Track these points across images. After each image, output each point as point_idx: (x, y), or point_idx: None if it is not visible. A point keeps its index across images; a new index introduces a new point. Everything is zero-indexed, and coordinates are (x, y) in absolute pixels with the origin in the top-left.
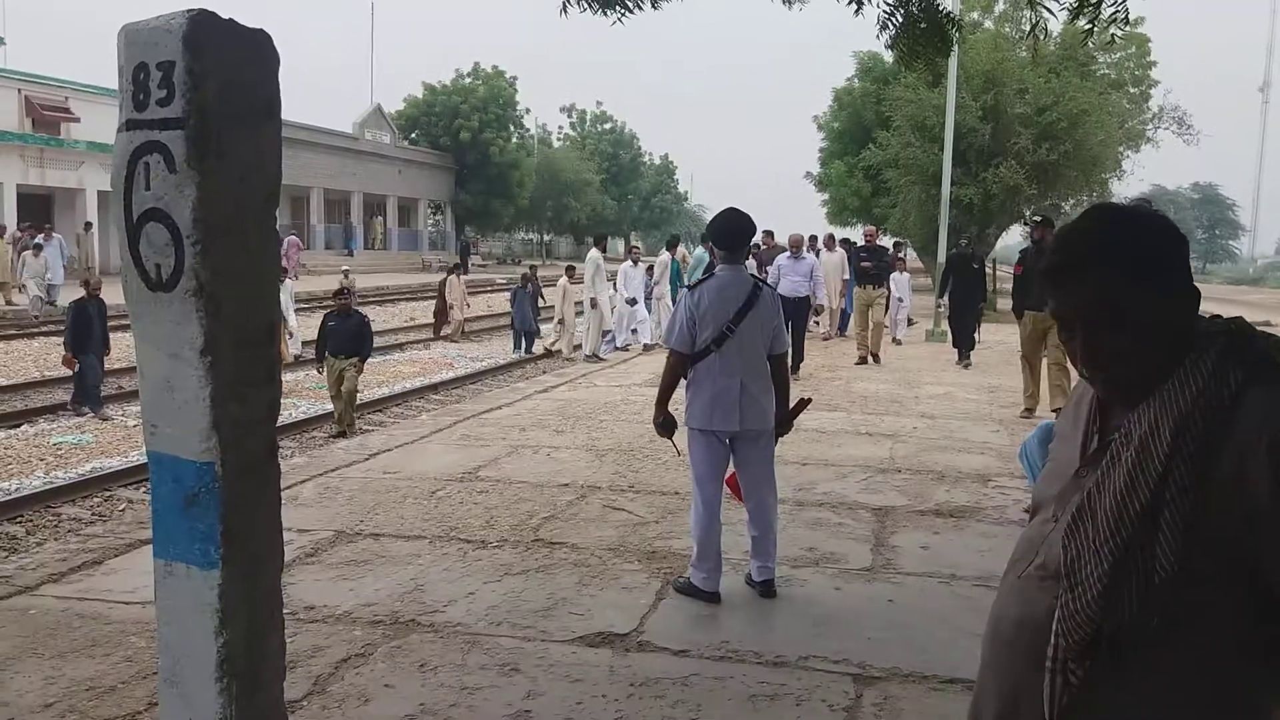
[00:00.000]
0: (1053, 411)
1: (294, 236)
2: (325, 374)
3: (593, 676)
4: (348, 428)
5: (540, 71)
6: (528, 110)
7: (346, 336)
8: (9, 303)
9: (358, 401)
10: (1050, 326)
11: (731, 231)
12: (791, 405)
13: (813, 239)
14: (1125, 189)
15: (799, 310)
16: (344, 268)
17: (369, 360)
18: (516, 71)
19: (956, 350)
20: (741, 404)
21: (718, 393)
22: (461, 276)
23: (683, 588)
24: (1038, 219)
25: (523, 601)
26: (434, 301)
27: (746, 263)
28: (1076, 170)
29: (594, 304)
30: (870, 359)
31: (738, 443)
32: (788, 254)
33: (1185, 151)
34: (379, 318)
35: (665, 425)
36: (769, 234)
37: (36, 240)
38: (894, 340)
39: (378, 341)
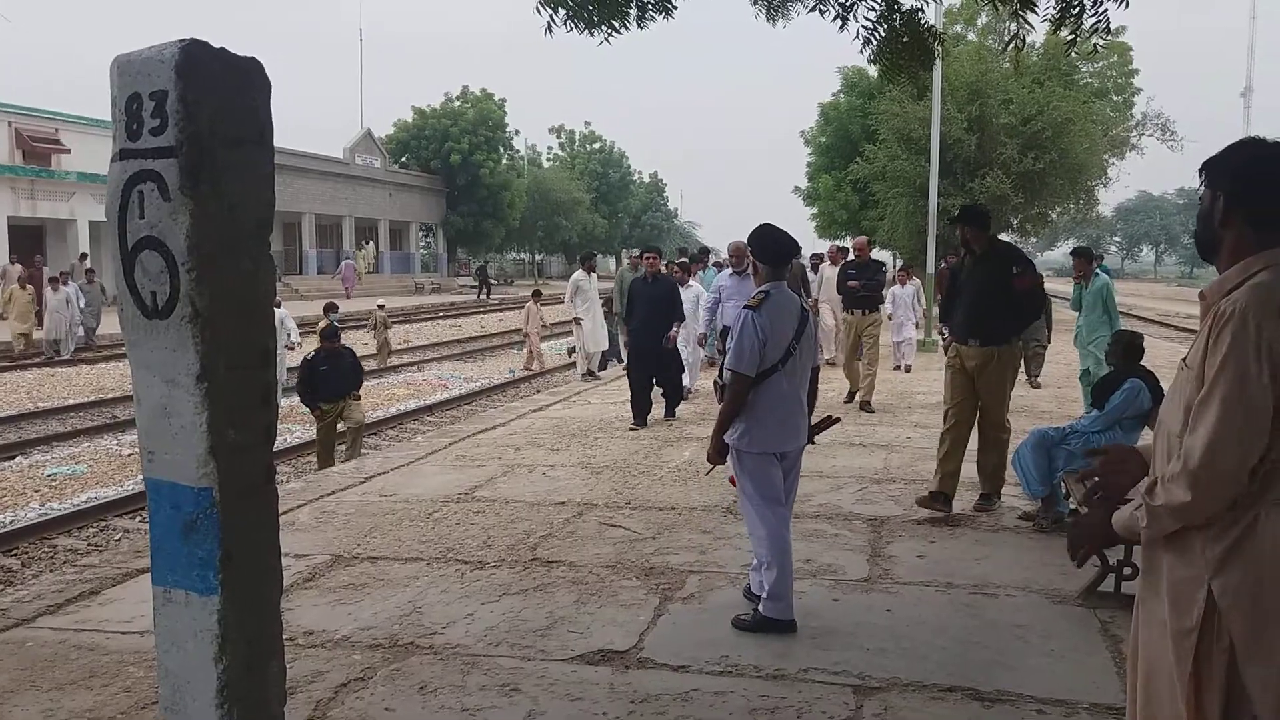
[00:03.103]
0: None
1: (350, 261)
2: (321, 421)
3: (593, 694)
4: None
5: (529, 93)
6: (517, 132)
7: (341, 377)
8: (29, 345)
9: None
10: (991, 367)
11: (777, 248)
12: (817, 420)
13: (817, 257)
14: (1112, 196)
15: None
16: (380, 302)
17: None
18: (505, 94)
19: None
20: (800, 421)
21: (787, 411)
22: (539, 302)
23: (755, 625)
24: (965, 211)
25: (522, 621)
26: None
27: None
28: (1063, 179)
29: (578, 323)
30: (860, 404)
31: (786, 460)
32: (728, 271)
33: (1170, 157)
34: (373, 341)
35: (724, 453)
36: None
37: (54, 275)
38: (904, 369)
39: (373, 365)
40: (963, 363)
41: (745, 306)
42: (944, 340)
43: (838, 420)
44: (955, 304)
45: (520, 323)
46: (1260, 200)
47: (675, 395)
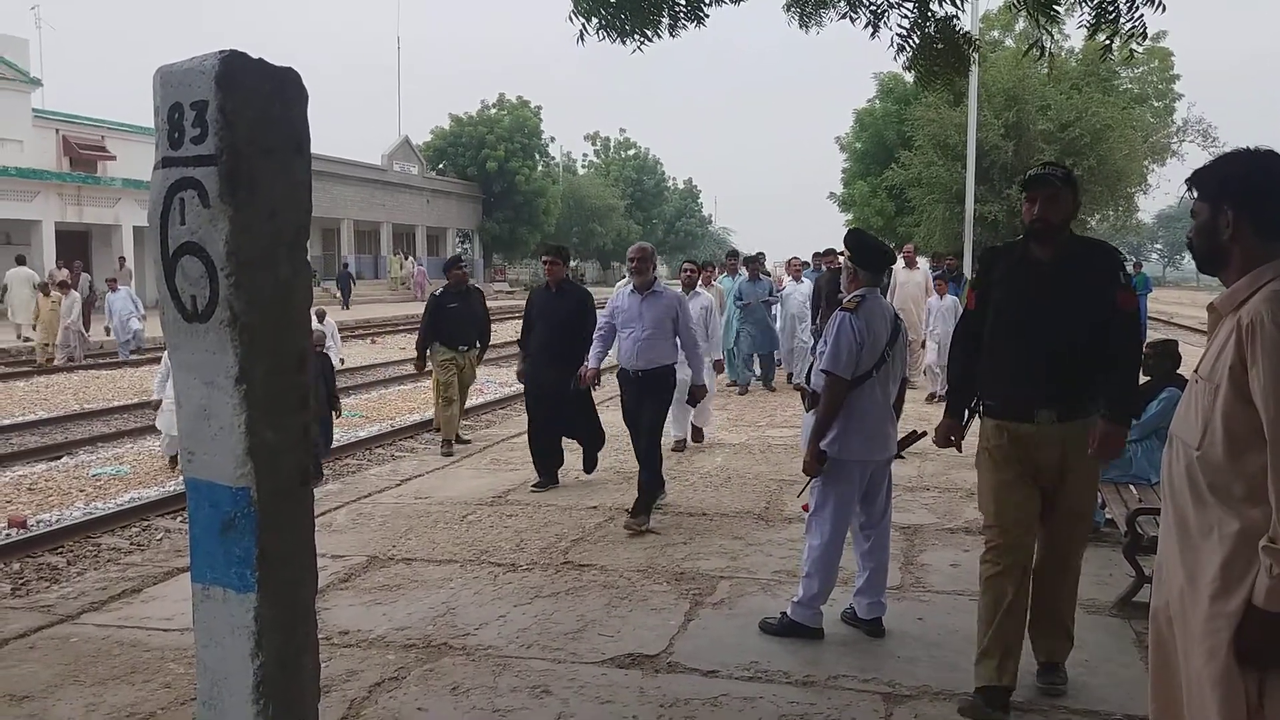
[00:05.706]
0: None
1: (421, 266)
2: (441, 371)
3: (623, 698)
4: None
5: (564, 100)
6: (552, 139)
7: (472, 321)
8: (49, 360)
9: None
10: (1079, 456)
11: (879, 253)
12: (902, 435)
13: (827, 254)
14: (1153, 203)
15: (657, 392)
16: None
17: (400, 386)
18: (541, 101)
19: None
20: (890, 431)
21: (878, 419)
22: None
23: (782, 629)
24: (1050, 170)
25: (553, 624)
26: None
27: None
28: (1101, 185)
29: None
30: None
31: (876, 471)
32: (627, 286)
33: None
34: (409, 346)
35: (821, 460)
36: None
37: (61, 279)
38: (940, 398)
39: (408, 369)
40: (1022, 452)
41: (842, 309)
42: (957, 418)
43: (924, 434)
44: (996, 346)
45: None
46: (1269, 210)
47: (592, 445)
